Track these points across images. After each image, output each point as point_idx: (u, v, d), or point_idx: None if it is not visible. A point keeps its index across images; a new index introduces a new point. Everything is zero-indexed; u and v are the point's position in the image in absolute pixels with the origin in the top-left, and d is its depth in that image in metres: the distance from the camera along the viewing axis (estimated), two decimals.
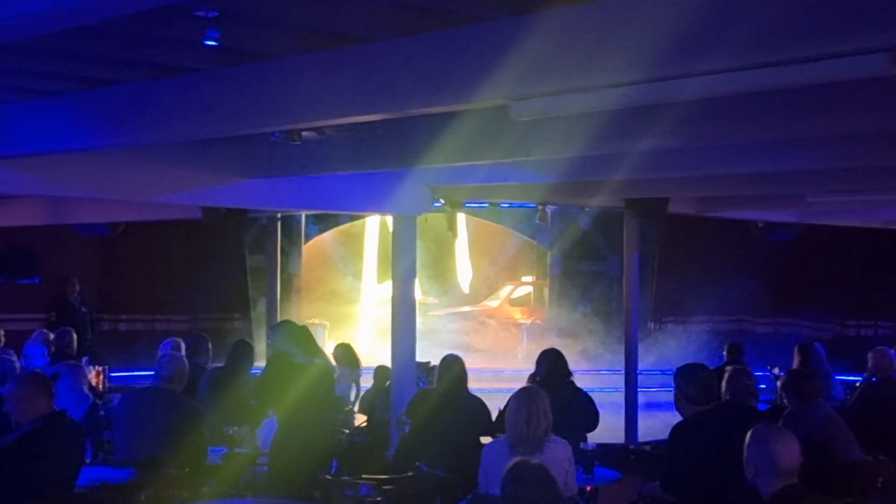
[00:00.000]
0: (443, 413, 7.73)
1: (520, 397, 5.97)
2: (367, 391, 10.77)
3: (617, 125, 6.29)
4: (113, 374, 11.15)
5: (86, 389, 8.28)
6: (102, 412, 8.11)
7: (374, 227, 20.38)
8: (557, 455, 5.73)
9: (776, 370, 11.50)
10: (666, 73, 4.20)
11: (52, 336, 10.78)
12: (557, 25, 4.44)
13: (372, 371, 10.90)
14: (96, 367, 10.70)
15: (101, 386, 10.37)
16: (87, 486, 6.30)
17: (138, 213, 12.52)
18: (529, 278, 21.59)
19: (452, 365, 7.95)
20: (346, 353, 10.72)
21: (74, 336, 10.63)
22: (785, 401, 7.30)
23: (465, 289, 21.87)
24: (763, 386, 10.32)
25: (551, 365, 8.12)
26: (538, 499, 4.43)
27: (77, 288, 14.89)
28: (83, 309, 14.74)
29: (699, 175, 9.35)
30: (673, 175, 9.36)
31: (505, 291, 21.74)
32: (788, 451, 4.35)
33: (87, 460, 6.73)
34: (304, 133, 6.94)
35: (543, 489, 4.48)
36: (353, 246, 21.02)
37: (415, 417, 8.06)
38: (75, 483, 5.95)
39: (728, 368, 7.34)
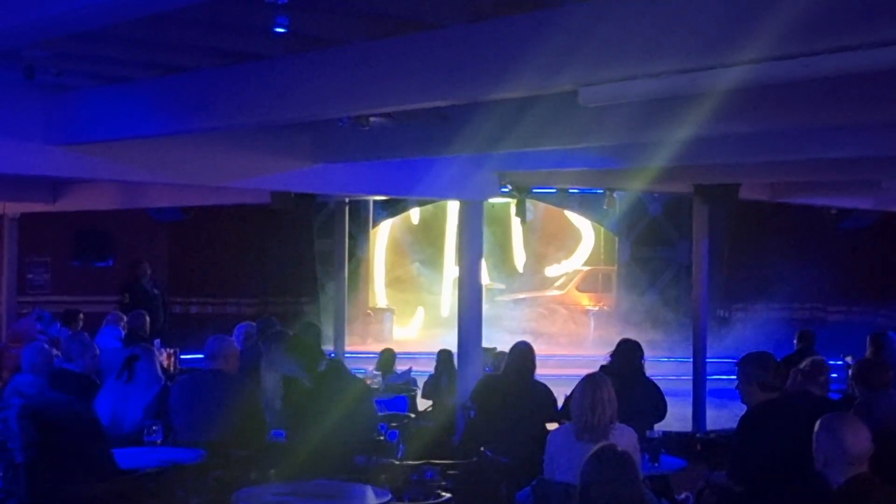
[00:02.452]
0: (508, 399, 7.74)
1: (584, 384, 5.96)
2: (431, 376, 10.84)
3: (686, 110, 6.22)
4: (183, 357, 11.34)
5: (159, 372, 8.42)
6: None
7: (455, 212, 20.38)
8: (623, 442, 5.69)
9: (849, 359, 11.31)
10: (737, 57, 4.15)
11: (125, 319, 10.98)
12: (627, 11, 4.41)
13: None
14: (168, 349, 10.88)
15: (172, 368, 10.55)
16: (157, 467, 6.41)
17: (209, 198, 12.68)
18: (572, 262, 21.37)
19: (520, 351, 7.96)
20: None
21: (147, 319, 10.81)
22: (856, 390, 7.18)
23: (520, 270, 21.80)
24: (835, 375, 10.16)
25: (623, 354, 8.09)
26: (619, 486, 4.33)
27: (149, 271, 15.15)
28: (155, 292, 14.99)
29: (771, 160, 9.23)
30: (744, 160, 9.24)
31: (564, 273, 21.62)
32: (858, 439, 4.29)
33: (158, 441, 6.85)
34: (372, 119, 6.98)
35: (625, 476, 4.37)
36: (421, 231, 21.06)
37: (480, 403, 8.08)
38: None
39: (807, 360, 7.24)
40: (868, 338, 10.30)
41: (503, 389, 7.89)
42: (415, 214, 20.55)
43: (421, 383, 11.02)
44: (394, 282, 20.87)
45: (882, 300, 17.12)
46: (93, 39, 5.52)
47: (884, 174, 10.19)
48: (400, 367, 11.43)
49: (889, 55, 3.86)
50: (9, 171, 8.19)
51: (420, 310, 20.31)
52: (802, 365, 7.07)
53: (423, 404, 10.69)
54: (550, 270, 21.69)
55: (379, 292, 20.42)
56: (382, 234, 20.56)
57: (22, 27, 4.65)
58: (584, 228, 21.11)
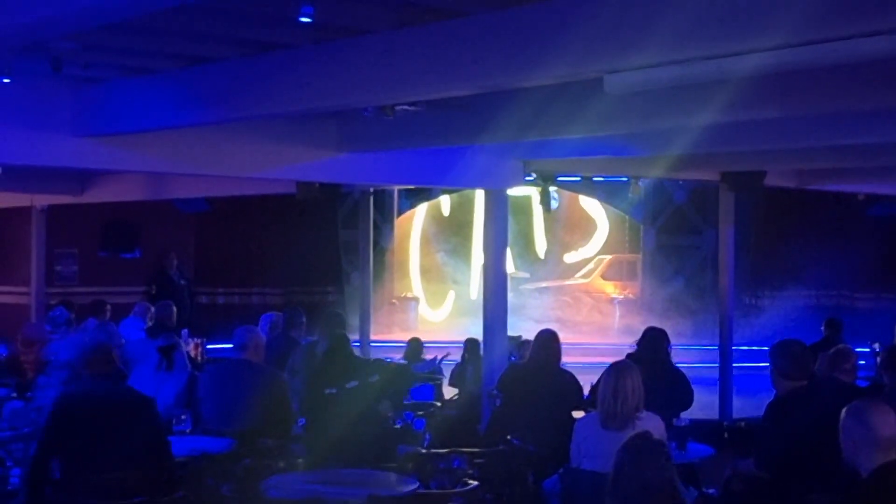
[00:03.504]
0: (534, 387, 7.74)
1: (609, 373, 5.97)
2: (458, 364, 10.87)
3: (712, 96, 6.19)
4: (210, 347, 11.41)
5: (187, 361, 8.49)
6: None
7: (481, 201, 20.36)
8: (649, 430, 5.70)
9: (876, 346, 11.25)
10: (763, 43, 4.12)
11: (152, 309, 11.05)
12: None
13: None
14: (195, 339, 10.94)
15: (199, 358, 10.61)
16: (187, 455, 6.46)
17: (235, 189, 12.74)
18: (588, 250, 21.29)
19: (545, 340, 7.96)
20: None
21: (174, 309, 10.87)
22: (884, 378, 7.14)
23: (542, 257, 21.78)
24: (863, 362, 10.12)
25: (649, 342, 8.09)
26: (653, 474, 4.28)
27: (175, 262, 15.23)
28: (182, 282, 15.07)
29: (797, 147, 9.17)
30: (770, 147, 9.19)
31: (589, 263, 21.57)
32: (887, 422, 4.26)
33: (187, 430, 6.90)
34: (396, 108, 6.98)
35: (659, 464, 4.31)
36: (446, 221, 21.04)
37: (506, 392, 8.09)
38: (156, 455, 5.98)
39: (836, 347, 7.22)
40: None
41: (528, 378, 7.89)
42: (445, 205, 20.57)
43: (447, 371, 11.06)
44: (419, 271, 20.91)
45: None
46: (119, 31, 5.55)
47: None
48: (427, 356, 11.46)
49: None
50: (37, 164, 8.25)
51: (451, 293, 20.36)
52: (828, 353, 7.05)
53: (448, 393, 10.72)
54: (568, 257, 21.65)
55: (414, 279, 20.48)
56: (417, 222, 20.64)
57: (49, 19, 4.67)
58: (599, 217, 21.06)
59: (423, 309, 20.22)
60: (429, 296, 20.40)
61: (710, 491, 6.72)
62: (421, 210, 20.57)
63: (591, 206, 20.80)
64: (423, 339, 11.93)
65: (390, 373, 7.49)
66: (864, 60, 4.20)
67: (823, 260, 16.75)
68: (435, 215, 20.90)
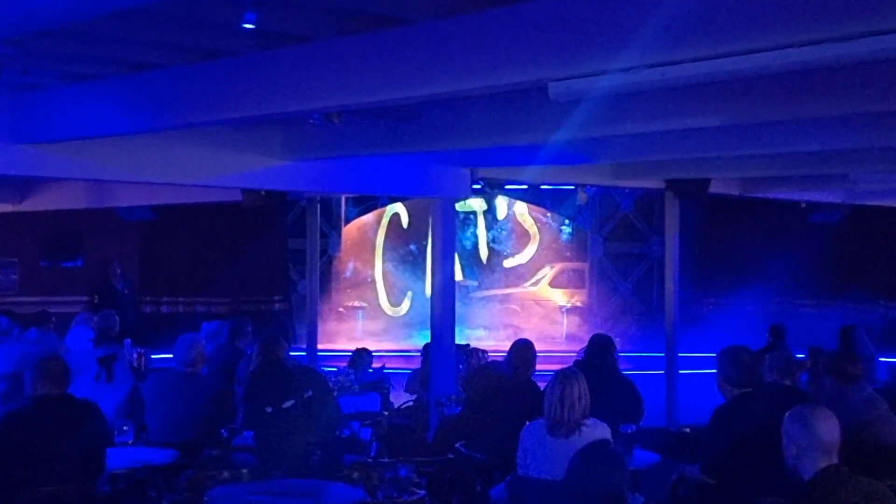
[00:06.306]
0: (502, 395, 7.73)
1: (555, 380, 5.98)
2: (416, 370, 10.84)
3: (656, 105, 6.24)
4: (154, 357, 11.25)
5: (130, 371, 8.37)
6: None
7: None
8: (595, 437, 5.71)
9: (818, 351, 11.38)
10: (705, 52, 4.15)
11: (95, 319, 10.88)
12: (595, 5, 4.41)
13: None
14: (138, 349, 10.79)
15: (142, 368, 10.46)
16: (129, 467, 6.36)
17: (179, 197, 12.60)
18: (523, 257, 21.37)
19: (520, 348, 8.05)
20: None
21: (117, 319, 10.72)
22: (827, 383, 7.22)
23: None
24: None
25: (596, 350, 8.10)
26: (602, 483, 4.29)
27: (119, 271, 15.02)
28: (125, 292, 14.86)
29: (741, 155, 9.27)
30: (714, 155, 9.28)
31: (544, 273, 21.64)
32: (828, 427, 4.31)
33: (129, 441, 6.80)
34: (343, 115, 6.94)
35: (612, 475, 4.33)
36: (396, 229, 20.98)
37: (473, 394, 8.05)
38: (95, 467, 5.92)
39: (776, 353, 7.29)
40: (839, 331, 10.38)
41: (499, 385, 7.85)
42: (403, 214, 20.53)
43: (394, 381, 11.01)
44: (367, 279, 20.81)
45: (852, 293, 17.25)
46: (60, 36, 5.46)
47: (851, 167, 10.26)
48: (375, 365, 11.41)
49: (858, 48, 3.87)
50: None
51: (410, 293, 20.30)
52: (772, 358, 7.12)
53: (396, 402, 10.67)
54: (507, 263, 21.69)
55: (378, 282, 20.38)
56: (380, 229, 20.58)
57: None
58: (530, 226, 21.11)
59: (384, 304, 20.19)
60: (375, 306, 20.38)
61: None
62: (379, 217, 20.46)
63: (524, 214, 20.82)
64: (368, 348, 11.88)
65: (321, 388, 7.38)
66: (805, 69, 4.25)
67: (767, 267, 16.95)
68: (392, 223, 20.82)
